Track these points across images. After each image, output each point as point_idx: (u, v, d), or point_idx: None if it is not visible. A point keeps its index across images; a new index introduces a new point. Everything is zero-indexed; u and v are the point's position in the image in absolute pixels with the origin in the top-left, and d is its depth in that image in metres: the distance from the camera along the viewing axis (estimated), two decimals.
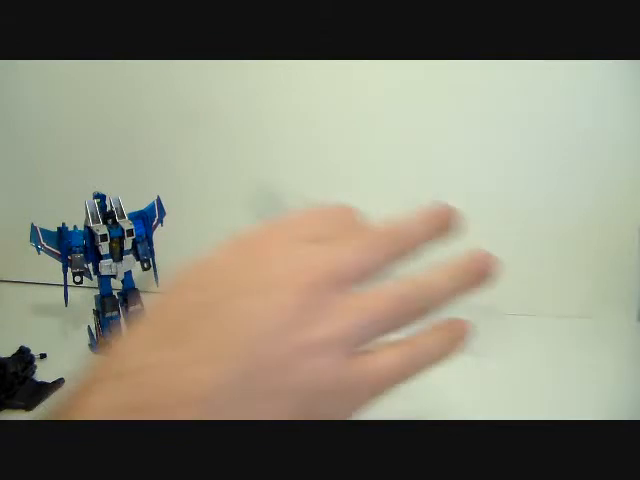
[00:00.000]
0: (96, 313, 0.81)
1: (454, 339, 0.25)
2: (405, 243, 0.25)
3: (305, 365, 0.22)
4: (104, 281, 0.79)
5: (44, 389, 0.72)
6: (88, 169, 0.99)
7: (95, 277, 0.79)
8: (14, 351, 0.76)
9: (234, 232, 0.26)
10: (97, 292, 0.80)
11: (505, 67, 0.82)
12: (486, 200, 0.84)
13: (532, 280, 0.82)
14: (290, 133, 0.94)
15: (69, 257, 0.77)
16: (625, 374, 0.72)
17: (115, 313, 0.79)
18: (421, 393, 0.64)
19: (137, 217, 0.79)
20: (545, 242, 0.88)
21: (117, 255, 0.77)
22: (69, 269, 0.77)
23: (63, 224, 0.78)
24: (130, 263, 0.79)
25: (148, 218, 0.80)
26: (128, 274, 0.80)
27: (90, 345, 0.82)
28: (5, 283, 1.04)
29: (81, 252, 0.77)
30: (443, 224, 0.26)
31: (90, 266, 0.78)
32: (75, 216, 0.79)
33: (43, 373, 0.75)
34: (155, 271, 0.80)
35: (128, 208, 0.79)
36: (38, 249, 0.77)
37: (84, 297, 0.86)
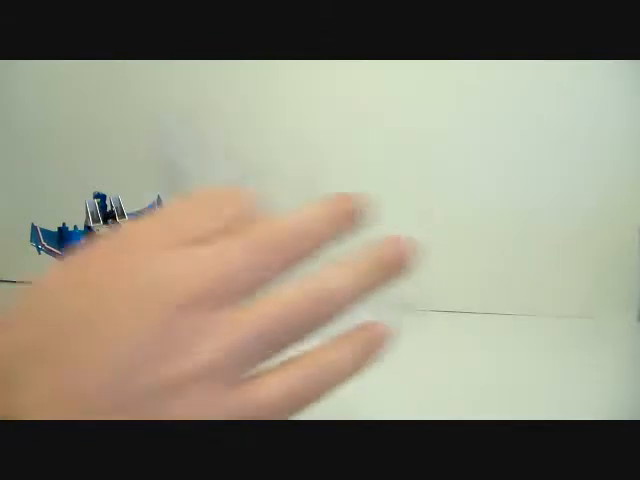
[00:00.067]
0: None
1: (368, 347, 0.21)
2: (307, 240, 0.20)
3: (174, 405, 0.18)
4: None
5: None
6: (88, 169, 0.99)
7: None
8: None
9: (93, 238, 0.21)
10: None
11: (505, 67, 0.82)
12: (486, 200, 0.84)
13: (532, 280, 0.83)
14: (290, 133, 0.94)
15: None
16: (625, 374, 0.72)
17: None
18: (414, 394, 0.64)
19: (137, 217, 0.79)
20: (545, 242, 0.88)
21: None
22: None
23: (63, 224, 0.78)
24: None
25: None
26: None
27: None
28: (5, 283, 1.04)
29: None
30: (349, 214, 0.21)
31: None
32: (75, 216, 0.79)
33: None
34: None
35: (128, 208, 0.79)
36: (38, 249, 0.77)
37: None
